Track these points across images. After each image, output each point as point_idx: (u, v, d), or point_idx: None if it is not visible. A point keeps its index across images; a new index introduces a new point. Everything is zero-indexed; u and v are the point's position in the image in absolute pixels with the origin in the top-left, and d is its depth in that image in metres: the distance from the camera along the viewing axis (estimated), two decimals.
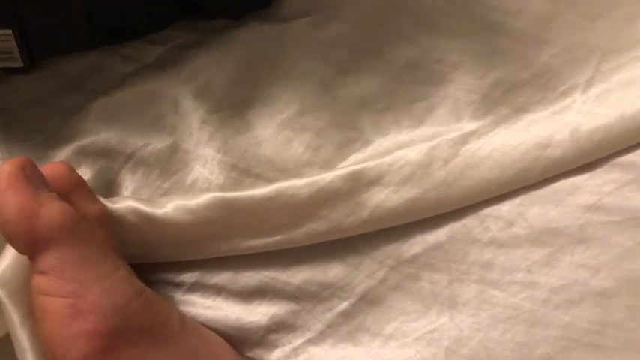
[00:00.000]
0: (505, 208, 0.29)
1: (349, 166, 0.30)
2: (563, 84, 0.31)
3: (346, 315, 0.30)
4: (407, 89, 0.32)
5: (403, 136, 0.32)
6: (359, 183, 0.30)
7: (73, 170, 0.28)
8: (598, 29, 0.31)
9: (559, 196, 0.28)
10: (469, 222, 0.30)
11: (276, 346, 0.30)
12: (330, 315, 0.30)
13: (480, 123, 0.31)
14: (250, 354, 0.31)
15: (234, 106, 0.33)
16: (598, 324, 0.27)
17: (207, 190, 0.31)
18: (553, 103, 0.30)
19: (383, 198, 0.30)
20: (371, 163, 0.30)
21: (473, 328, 0.28)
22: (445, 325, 0.29)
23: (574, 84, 0.30)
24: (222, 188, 0.31)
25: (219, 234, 0.30)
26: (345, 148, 0.32)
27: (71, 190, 0.27)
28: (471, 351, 0.28)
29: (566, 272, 0.28)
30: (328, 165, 0.32)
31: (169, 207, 0.29)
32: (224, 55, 0.33)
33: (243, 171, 0.32)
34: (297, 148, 0.32)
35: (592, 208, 0.28)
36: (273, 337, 0.30)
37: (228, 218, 0.29)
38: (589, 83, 0.30)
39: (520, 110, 0.31)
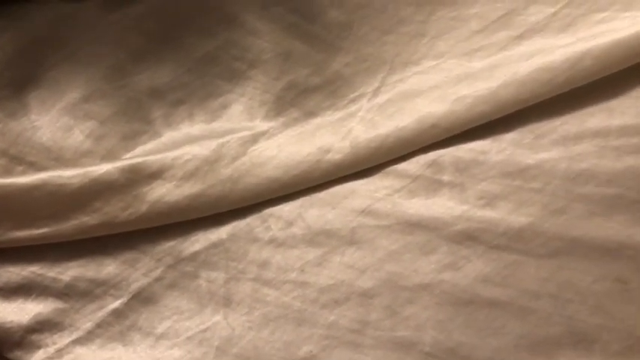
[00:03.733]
0: (287, 208, 0.30)
1: (133, 157, 0.29)
2: (353, 92, 0.32)
3: (118, 314, 0.29)
4: (203, 83, 0.32)
5: (195, 130, 0.31)
6: (139, 176, 0.29)
7: None
8: (388, 43, 0.32)
9: (336, 199, 0.29)
10: (252, 221, 0.30)
11: (38, 347, 0.28)
12: (100, 314, 0.29)
13: (272, 124, 0.31)
14: (11, 356, 0.28)
15: (10, 86, 0.30)
16: (358, 323, 0.28)
17: None
18: (341, 109, 0.31)
19: (164, 192, 0.29)
20: (153, 157, 0.29)
21: (245, 327, 0.28)
22: (218, 324, 0.29)
23: (362, 93, 0.31)
24: None
25: None
26: (132, 139, 0.30)
27: None
28: (240, 350, 0.28)
29: (336, 272, 0.28)
30: (111, 156, 0.30)
31: None
32: (2, 29, 0.30)
33: (13, 157, 0.29)
34: (77, 136, 0.30)
35: (364, 212, 0.29)
36: (35, 337, 0.28)
37: None
38: (375, 94, 0.31)
39: (310, 114, 0.31)
